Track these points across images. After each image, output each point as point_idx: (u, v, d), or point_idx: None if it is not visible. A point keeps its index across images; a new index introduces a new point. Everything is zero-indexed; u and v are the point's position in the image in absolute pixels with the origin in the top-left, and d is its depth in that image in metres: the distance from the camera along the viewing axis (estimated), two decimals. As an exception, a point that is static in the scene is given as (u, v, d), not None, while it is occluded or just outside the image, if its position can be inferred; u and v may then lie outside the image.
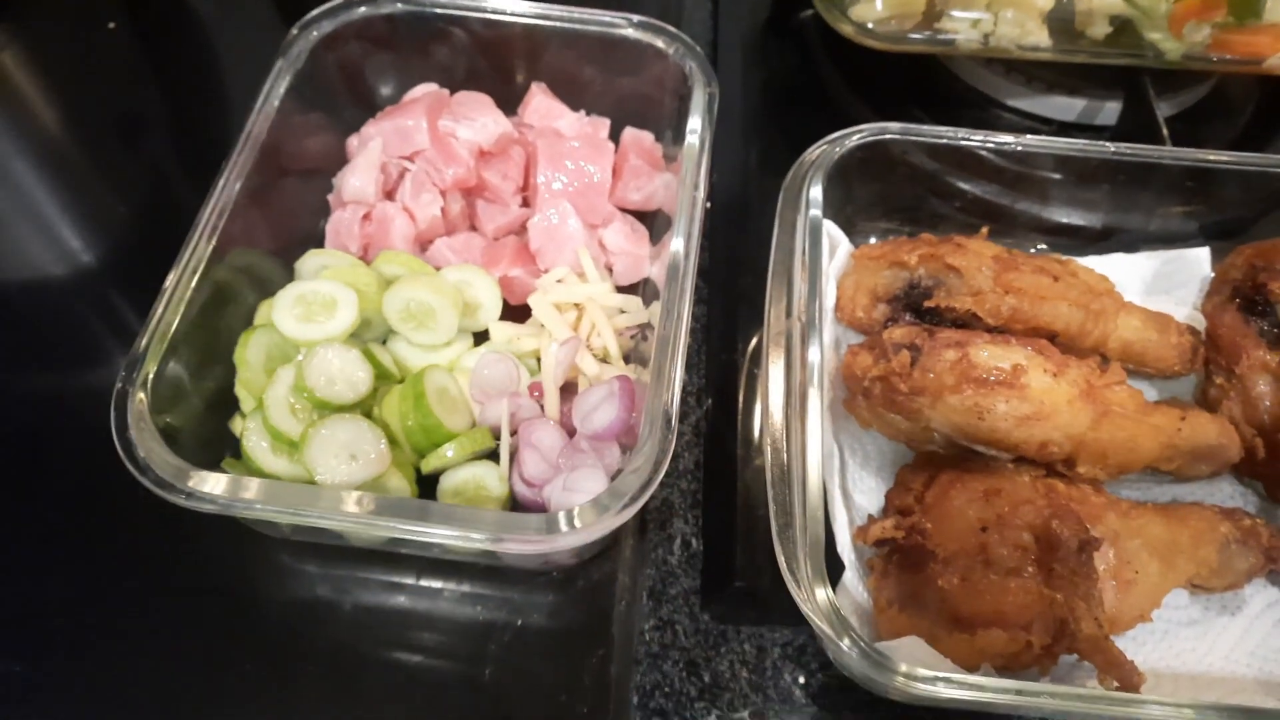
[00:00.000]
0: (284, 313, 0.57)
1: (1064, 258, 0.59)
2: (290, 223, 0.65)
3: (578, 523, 0.47)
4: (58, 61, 0.85)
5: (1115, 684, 0.45)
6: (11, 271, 0.71)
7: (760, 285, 0.65)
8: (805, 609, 0.45)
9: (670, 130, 0.70)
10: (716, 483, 0.61)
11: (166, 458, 0.48)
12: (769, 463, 0.50)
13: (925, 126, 0.61)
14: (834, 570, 0.53)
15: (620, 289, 0.65)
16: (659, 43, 0.66)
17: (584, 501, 0.50)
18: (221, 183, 0.58)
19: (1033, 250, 0.67)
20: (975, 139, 0.61)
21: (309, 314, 0.57)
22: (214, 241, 0.56)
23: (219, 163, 0.59)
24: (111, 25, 0.86)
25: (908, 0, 0.64)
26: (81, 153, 0.79)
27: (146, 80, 0.85)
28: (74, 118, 0.81)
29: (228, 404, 0.58)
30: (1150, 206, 0.66)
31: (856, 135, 0.60)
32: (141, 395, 0.50)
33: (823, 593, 0.46)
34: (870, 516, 0.54)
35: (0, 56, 0.85)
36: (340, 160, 0.69)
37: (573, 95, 0.71)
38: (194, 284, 0.54)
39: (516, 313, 0.64)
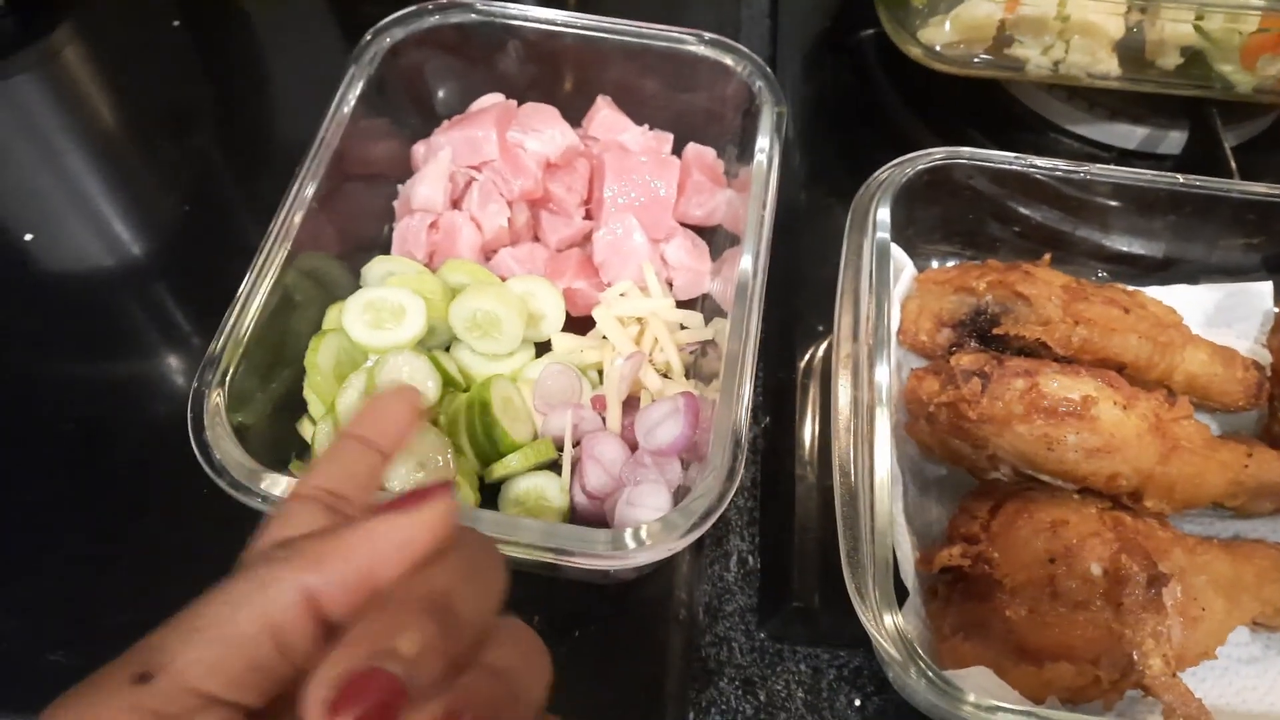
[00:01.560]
0: (354, 318, 0.57)
1: (1131, 289, 0.59)
2: (357, 228, 0.66)
3: (646, 539, 0.47)
4: (119, 59, 0.86)
5: (1181, 721, 0.45)
6: (72, 265, 0.72)
7: (815, 303, 0.66)
8: (874, 634, 0.45)
9: (733, 147, 0.70)
10: (774, 501, 0.61)
11: (242, 460, 0.49)
12: (837, 485, 0.50)
13: (995, 152, 0.61)
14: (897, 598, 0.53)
15: (679, 304, 0.65)
16: (728, 61, 0.66)
17: (649, 517, 0.50)
18: (295, 187, 0.59)
19: (1094, 278, 0.67)
20: (1045, 166, 0.61)
21: (378, 321, 0.57)
22: (288, 246, 0.57)
23: (272, 160, 0.59)
24: (176, 24, 0.87)
25: (977, 25, 0.64)
26: (138, 149, 0.81)
27: (204, 79, 0.86)
28: (132, 115, 0.82)
29: (294, 406, 0.58)
30: (1213, 238, 0.65)
31: (926, 159, 0.60)
32: (218, 396, 0.50)
33: (890, 619, 0.46)
34: (934, 542, 0.54)
35: (63, 53, 0.86)
36: (405, 167, 0.69)
37: (634, 109, 0.72)
38: (267, 287, 0.55)
39: (577, 324, 0.64)
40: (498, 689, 0.24)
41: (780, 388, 0.66)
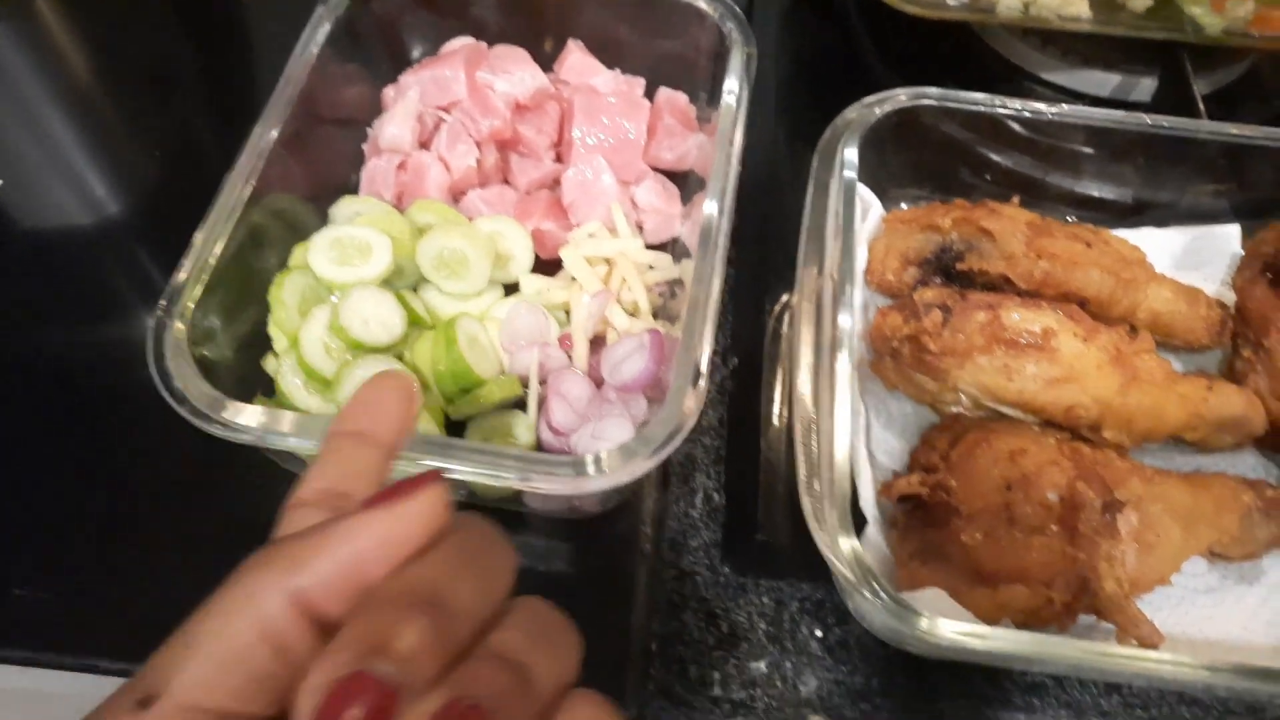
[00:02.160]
0: (319, 255, 0.57)
1: (1096, 228, 0.59)
2: (325, 169, 0.65)
3: (605, 467, 0.47)
4: (94, 10, 0.85)
5: (1134, 642, 0.46)
6: (45, 219, 0.72)
7: (787, 250, 0.65)
8: (829, 556, 0.46)
9: (704, 92, 0.70)
10: (739, 439, 0.61)
11: (203, 388, 0.49)
12: (797, 416, 0.51)
13: (963, 93, 0.61)
14: (855, 528, 0.54)
15: (650, 247, 0.65)
16: (701, 3, 0.66)
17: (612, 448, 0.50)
18: (259, 127, 0.59)
19: (1063, 221, 0.67)
20: (1012, 107, 0.61)
21: (344, 258, 0.57)
22: (252, 184, 0.56)
23: (249, 113, 0.60)
24: (147, -19, 0.86)
25: (948, -34, 0.64)
26: (113, 104, 0.80)
27: (179, 31, 0.86)
28: (106, 69, 0.82)
29: (259, 344, 0.58)
30: (1182, 182, 0.66)
31: (894, 99, 0.60)
32: (180, 325, 0.50)
33: (847, 542, 0.46)
34: (895, 473, 0.54)
35: (35, 5, 0.85)
36: (374, 111, 0.69)
37: (607, 54, 0.71)
38: (231, 224, 0.55)
39: (545, 266, 0.64)
40: (502, 675, 0.23)
41: (751, 332, 0.66)
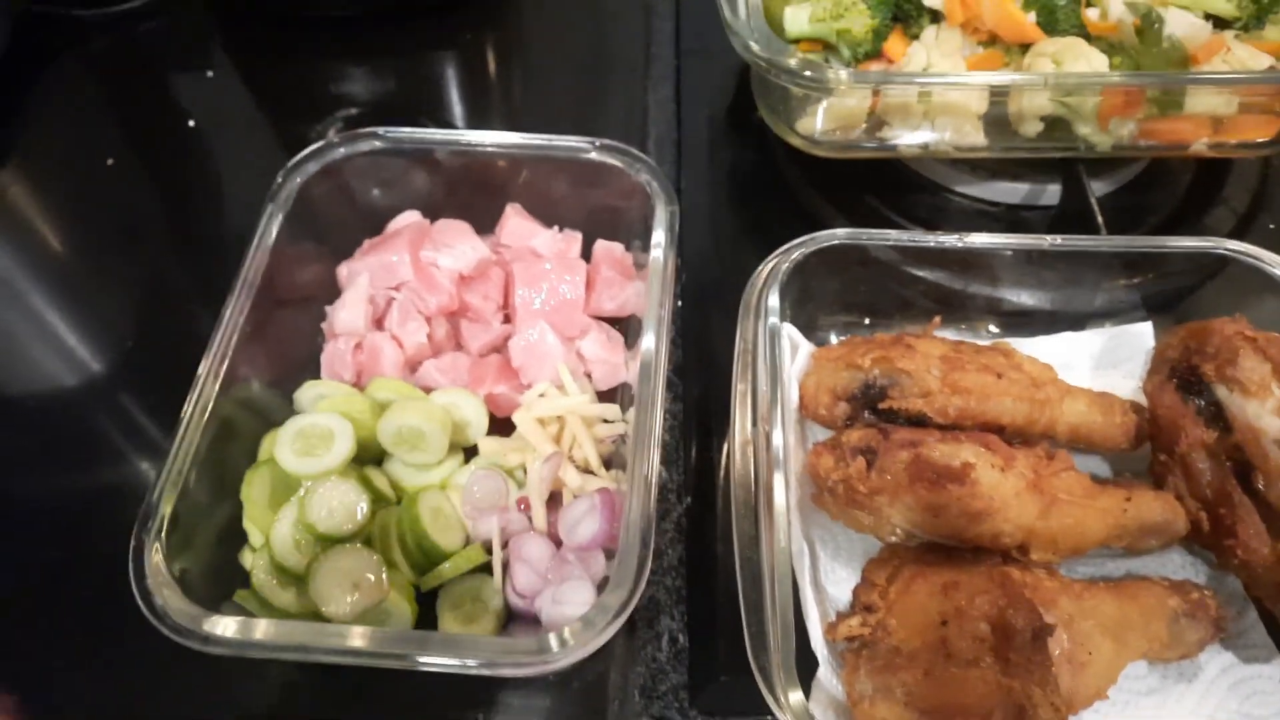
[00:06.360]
0: (285, 449, 0.61)
1: (1010, 348, 0.63)
2: (289, 352, 0.69)
3: (570, 641, 0.50)
4: (60, 198, 0.90)
5: (1074, 764, 0.49)
6: (23, 386, 0.76)
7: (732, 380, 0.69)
8: (780, 715, 0.49)
9: (639, 240, 0.74)
10: (699, 578, 0.64)
11: (182, 605, 0.52)
12: (738, 567, 0.54)
13: (872, 230, 0.65)
14: (812, 663, 0.56)
15: (600, 394, 0.69)
16: (620, 164, 0.70)
17: (574, 614, 0.53)
18: (223, 326, 0.63)
19: (985, 332, 0.71)
20: (920, 240, 0.65)
21: (308, 448, 0.61)
22: (218, 384, 0.60)
23: (220, 278, 0.64)
24: (110, 161, 0.91)
25: (849, 113, 0.69)
26: (86, 280, 0.84)
27: (148, 209, 0.90)
28: (78, 247, 0.86)
29: (238, 535, 0.61)
30: (1093, 286, 0.70)
31: (804, 246, 0.64)
32: (157, 547, 0.53)
33: (796, 696, 0.49)
34: (838, 613, 0.57)
35: (7, 193, 0.90)
36: (333, 287, 0.73)
37: (547, 212, 0.76)
38: (200, 430, 0.58)
39: (505, 425, 0.68)
40: None
41: (705, 466, 0.69)
